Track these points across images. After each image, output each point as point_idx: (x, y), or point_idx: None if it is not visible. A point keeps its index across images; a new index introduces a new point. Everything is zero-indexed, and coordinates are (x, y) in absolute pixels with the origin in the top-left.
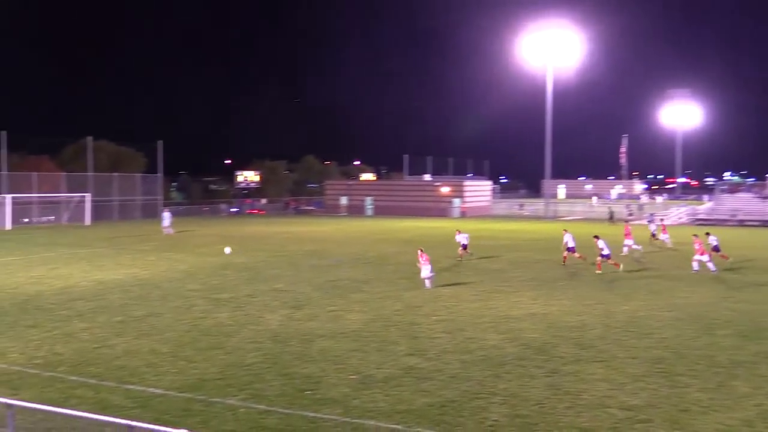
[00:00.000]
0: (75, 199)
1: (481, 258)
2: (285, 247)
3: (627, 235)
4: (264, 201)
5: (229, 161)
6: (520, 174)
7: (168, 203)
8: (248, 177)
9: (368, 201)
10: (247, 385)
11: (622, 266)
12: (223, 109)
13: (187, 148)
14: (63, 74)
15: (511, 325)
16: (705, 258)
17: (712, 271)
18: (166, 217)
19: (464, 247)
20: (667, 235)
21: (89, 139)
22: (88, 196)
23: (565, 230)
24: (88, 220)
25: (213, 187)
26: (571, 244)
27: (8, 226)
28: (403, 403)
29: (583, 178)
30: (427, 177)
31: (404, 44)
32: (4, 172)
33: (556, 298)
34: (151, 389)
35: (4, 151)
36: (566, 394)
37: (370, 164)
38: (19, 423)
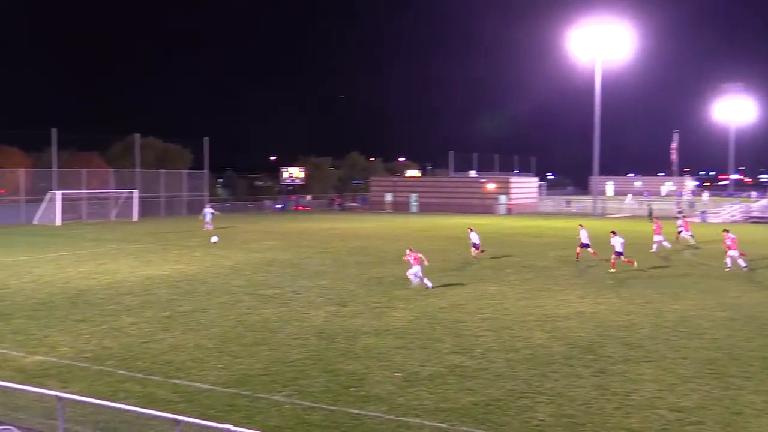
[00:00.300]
0: (123, 195)
1: (527, 255)
2: (330, 243)
3: (657, 231)
4: (309, 197)
5: (275, 158)
6: (567, 171)
7: (213, 200)
8: (293, 173)
9: (413, 198)
10: (292, 381)
11: (636, 263)
12: (268, 105)
13: (233, 145)
14: (112, 71)
15: (557, 324)
16: (735, 253)
17: (743, 267)
18: (207, 213)
19: (476, 246)
20: (689, 233)
21: (137, 136)
22: (135, 193)
23: (581, 225)
24: (135, 216)
25: (258, 183)
26: (585, 240)
27: (58, 221)
28: (448, 401)
29: (633, 174)
30: (473, 174)
31: (449, 41)
32: (55, 169)
33: (605, 297)
34: (196, 384)
35: (54, 147)
36: (614, 395)
37: (415, 161)
38: (69, 415)
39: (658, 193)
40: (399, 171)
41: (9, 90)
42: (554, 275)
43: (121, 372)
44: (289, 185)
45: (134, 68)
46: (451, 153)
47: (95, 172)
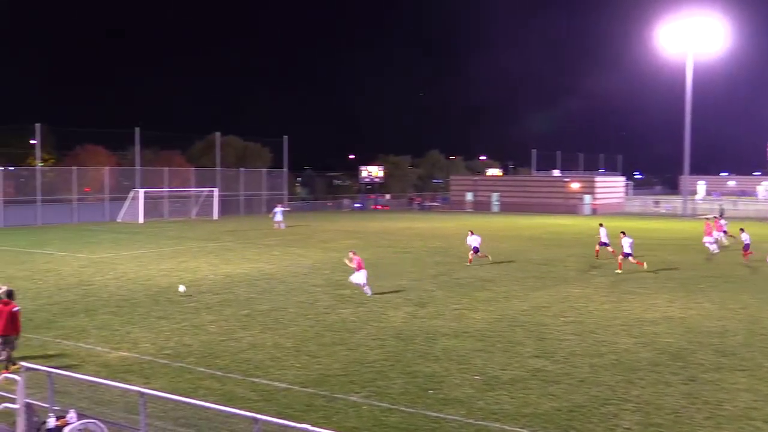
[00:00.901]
0: (203, 193)
1: (612, 257)
2: (409, 243)
3: (708, 233)
4: (388, 197)
5: (353, 156)
6: (656, 170)
7: (292, 198)
8: (372, 172)
9: (494, 197)
10: (370, 382)
11: (645, 265)
12: (347, 103)
13: (312, 144)
14: (195, 70)
15: (645, 329)
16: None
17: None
18: (278, 211)
19: (476, 250)
20: (721, 234)
21: (217, 134)
22: (215, 191)
23: (600, 224)
24: (215, 215)
25: (337, 182)
26: (604, 239)
27: (141, 219)
28: (529, 406)
29: (726, 174)
30: (556, 172)
31: (531, 37)
32: (138, 168)
33: (696, 301)
34: (275, 383)
35: (138, 146)
36: (705, 404)
37: (497, 159)
38: (150, 411)
39: (754, 193)
40: (480, 170)
41: (94, 89)
42: (641, 278)
43: (201, 369)
44: (368, 184)
45: (216, 67)
46: (533, 151)
47: (177, 171)
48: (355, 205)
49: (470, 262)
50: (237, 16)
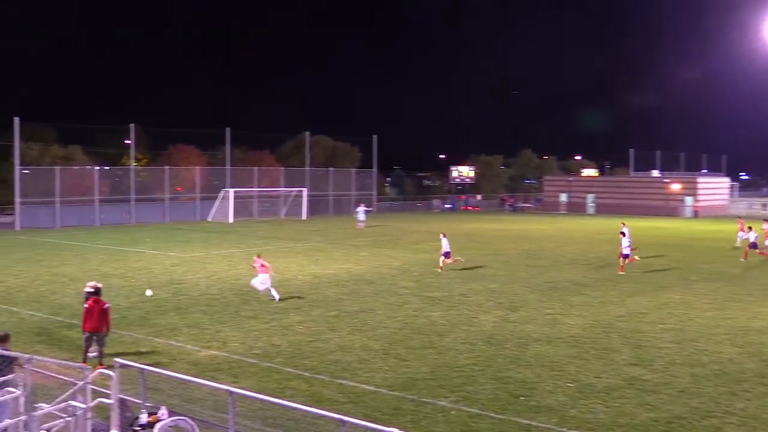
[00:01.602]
0: (292, 193)
1: (714, 262)
2: (500, 245)
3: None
4: (479, 197)
5: (444, 156)
6: (764, 170)
7: (381, 198)
8: (463, 172)
9: (590, 198)
10: (459, 387)
11: (638, 257)
12: (438, 102)
13: (402, 143)
14: (283, 69)
15: (751, 338)
16: None
17: None
18: (361, 211)
19: (446, 255)
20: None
21: (306, 134)
22: (304, 191)
23: (623, 223)
24: (304, 215)
25: (427, 182)
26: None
27: (230, 219)
28: (625, 416)
29: None
30: (656, 173)
31: (626, 31)
32: (228, 167)
33: None
34: (362, 385)
35: (228, 146)
36: None
37: (592, 159)
38: (239, 410)
39: None
40: (575, 170)
41: (183, 89)
42: (746, 284)
43: (289, 370)
44: (458, 184)
45: (306, 65)
46: (631, 151)
47: (266, 170)
48: (445, 205)
49: (441, 269)
50: (329, 13)
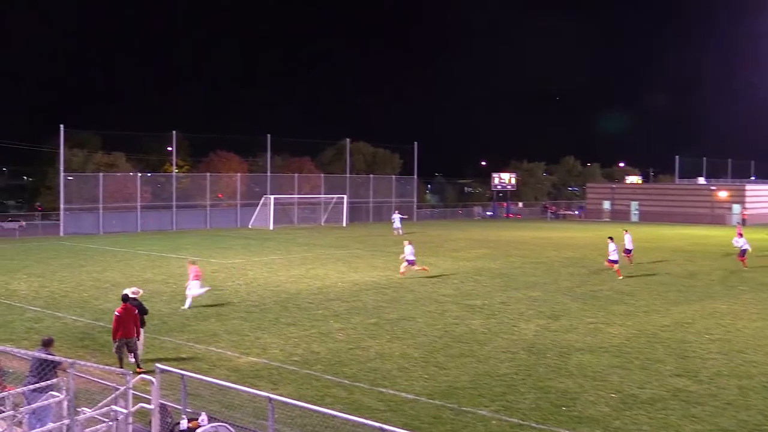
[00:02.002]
0: (333, 200)
1: (764, 271)
2: (542, 253)
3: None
4: (520, 204)
5: (485, 163)
6: None
7: (421, 206)
8: (504, 179)
9: (634, 206)
10: (500, 397)
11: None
12: (480, 108)
13: (443, 150)
14: (324, 76)
15: None
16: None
17: None
18: (396, 218)
19: (410, 263)
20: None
21: (347, 140)
22: (345, 198)
23: (626, 230)
24: (344, 222)
25: (468, 189)
26: (628, 246)
27: (271, 226)
28: (670, 428)
29: None
30: (702, 180)
31: (678, 36)
32: (268, 174)
33: None
34: (402, 393)
35: (269, 153)
36: None
37: (636, 166)
38: (278, 417)
39: None
40: (618, 177)
41: (224, 96)
42: None
43: (328, 377)
44: (499, 191)
45: (346, 73)
46: (676, 157)
47: (306, 177)
48: (487, 213)
49: (402, 274)
50: (369, 20)
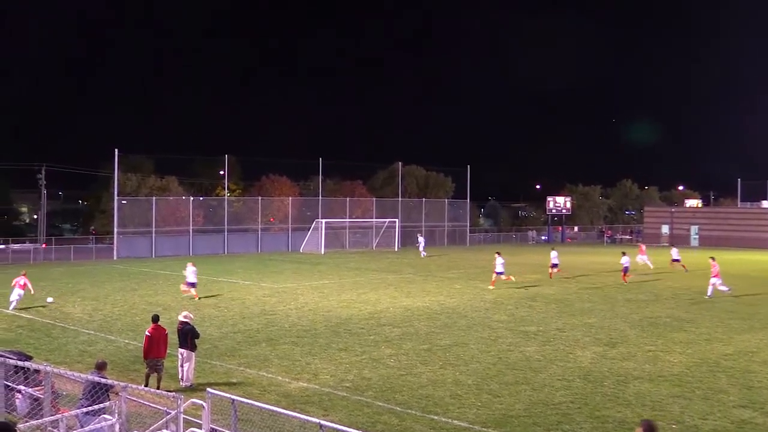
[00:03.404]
0: (384, 224)
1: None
2: (598, 278)
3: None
4: (576, 228)
5: (540, 186)
6: None
7: (474, 230)
8: (559, 203)
9: (693, 230)
10: (555, 426)
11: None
12: (532, 131)
13: (496, 173)
14: (377, 100)
15: None
16: (717, 281)
17: (726, 291)
18: (421, 241)
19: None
20: (645, 256)
21: (399, 164)
22: (397, 222)
23: (623, 252)
24: (396, 246)
25: (522, 213)
26: (626, 265)
27: (322, 250)
28: None
29: None
30: (766, 204)
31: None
32: (320, 198)
33: None
34: (454, 421)
35: (321, 176)
36: None
37: (696, 189)
38: None
39: None
40: (677, 201)
41: (276, 120)
42: None
43: (380, 404)
44: (554, 215)
45: (398, 95)
46: (739, 180)
47: (358, 201)
48: (542, 237)
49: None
50: (423, 47)
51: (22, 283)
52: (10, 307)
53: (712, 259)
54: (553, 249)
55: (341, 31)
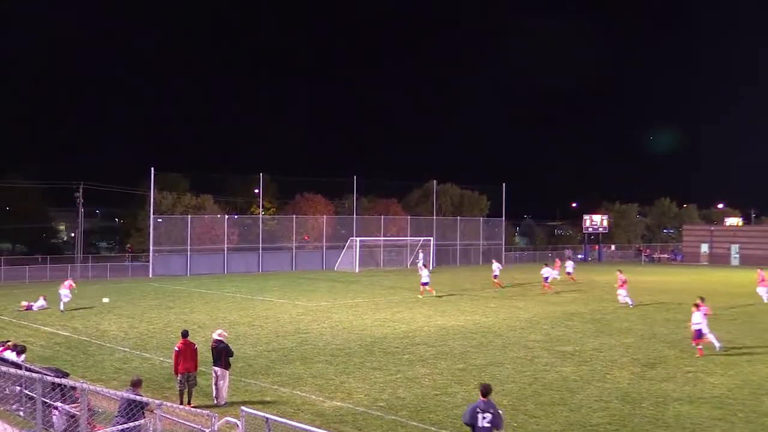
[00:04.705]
0: (419, 242)
1: None
2: (636, 297)
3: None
4: (613, 247)
5: (576, 204)
6: None
7: (509, 248)
8: (596, 221)
9: (734, 249)
10: None
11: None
12: (570, 149)
13: (532, 191)
14: (411, 119)
15: None
16: (623, 292)
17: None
18: (421, 257)
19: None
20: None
21: (434, 182)
22: (431, 240)
23: (619, 270)
24: (431, 265)
25: (558, 231)
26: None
27: (357, 269)
28: None
29: None
30: None
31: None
32: (354, 216)
33: None
34: None
35: (355, 194)
36: None
37: (737, 207)
38: None
39: None
40: (717, 219)
41: (310, 137)
42: None
43: (414, 423)
44: (591, 234)
45: (432, 115)
46: None
47: (392, 219)
48: (578, 256)
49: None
50: (459, 60)
51: (67, 284)
52: (60, 307)
53: (620, 271)
54: (494, 261)
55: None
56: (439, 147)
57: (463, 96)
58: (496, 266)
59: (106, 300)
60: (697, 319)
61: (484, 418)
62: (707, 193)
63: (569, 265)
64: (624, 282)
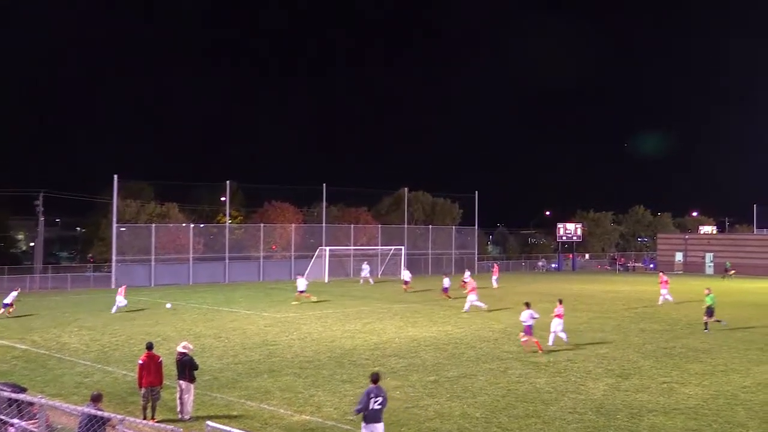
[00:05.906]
0: (390, 251)
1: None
2: (610, 307)
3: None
4: (587, 256)
5: (549, 213)
6: None
7: (483, 258)
8: (570, 229)
9: (708, 257)
10: None
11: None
12: (543, 156)
13: (505, 199)
14: (381, 125)
15: None
16: (473, 297)
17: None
18: (365, 268)
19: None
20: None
21: (405, 190)
22: (403, 249)
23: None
24: (402, 274)
25: (532, 240)
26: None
27: (326, 279)
28: None
29: None
30: None
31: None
32: (323, 225)
33: None
34: None
35: (324, 203)
36: None
37: (711, 215)
38: None
39: None
40: (691, 227)
41: (278, 145)
42: None
43: None
44: (565, 242)
45: (403, 121)
46: (755, 206)
47: (363, 228)
48: (552, 265)
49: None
50: (436, 66)
51: (121, 290)
52: (113, 310)
53: (469, 275)
54: (445, 276)
55: (350, 51)
56: (411, 154)
57: (435, 102)
58: (446, 280)
59: (169, 305)
60: (524, 317)
61: (376, 401)
62: (681, 201)
63: (466, 275)
64: (665, 282)
